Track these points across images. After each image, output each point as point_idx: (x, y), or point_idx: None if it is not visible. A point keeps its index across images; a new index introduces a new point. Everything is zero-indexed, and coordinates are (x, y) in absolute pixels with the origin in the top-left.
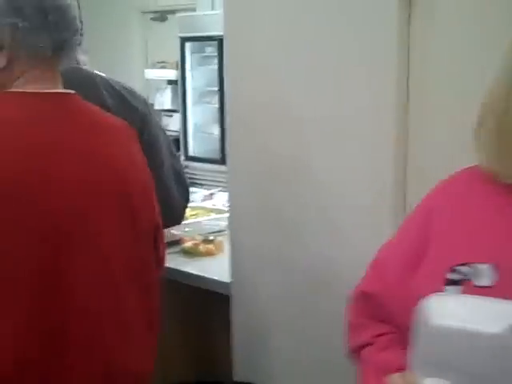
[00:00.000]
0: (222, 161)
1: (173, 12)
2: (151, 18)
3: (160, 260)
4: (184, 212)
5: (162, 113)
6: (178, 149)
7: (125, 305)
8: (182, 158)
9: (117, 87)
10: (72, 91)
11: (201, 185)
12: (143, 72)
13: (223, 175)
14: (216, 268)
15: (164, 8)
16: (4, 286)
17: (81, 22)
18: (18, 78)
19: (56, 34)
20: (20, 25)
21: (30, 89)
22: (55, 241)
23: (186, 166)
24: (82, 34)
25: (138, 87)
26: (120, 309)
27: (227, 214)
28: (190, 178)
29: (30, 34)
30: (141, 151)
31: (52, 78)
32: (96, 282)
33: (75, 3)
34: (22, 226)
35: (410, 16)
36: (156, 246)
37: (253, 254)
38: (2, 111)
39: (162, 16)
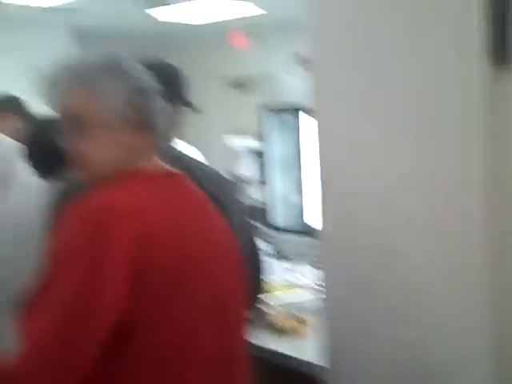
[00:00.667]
0: (304, 231)
1: (252, 81)
2: (231, 87)
3: None
4: None
5: (243, 182)
6: (260, 218)
7: None
8: (264, 228)
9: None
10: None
11: (283, 256)
12: (223, 141)
13: (305, 246)
14: (302, 346)
15: (244, 77)
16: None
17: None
18: (137, 154)
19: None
20: (139, 101)
21: (149, 167)
22: (220, 317)
23: (269, 236)
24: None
25: (219, 155)
26: None
27: (315, 290)
28: (272, 248)
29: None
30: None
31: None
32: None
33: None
34: (197, 304)
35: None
36: None
37: (349, 335)
38: (147, 197)
39: (241, 85)
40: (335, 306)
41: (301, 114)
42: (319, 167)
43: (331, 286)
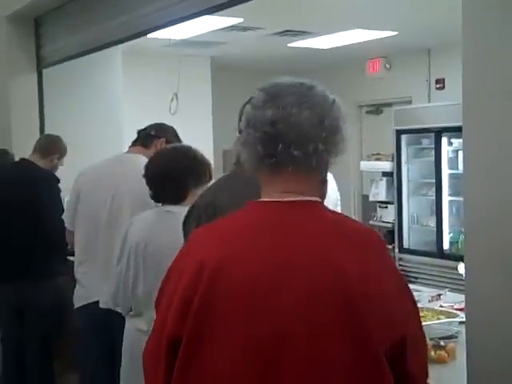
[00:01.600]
0: (438, 254)
1: (389, 105)
2: (366, 112)
3: (411, 378)
4: None
5: (377, 204)
6: (392, 240)
7: None
8: (396, 250)
9: None
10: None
11: (415, 278)
12: (358, 164)
13: (440, 269)
14: (448, 377)
15: (380, 101)
16: None
17: None
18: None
19: None
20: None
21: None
22: (272, 351)
23: (400, 259)
24: None
25: (352, 179)
26: None
27: (459, 318)
28: (404, 271)
29: None
30: (384, 261)
31: None
32: None
33: None
34: (249, 330)
35: None
36: (402, 360)
37: (498, 369)
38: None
39: (377, 109)
40: (480, 333)
41: (437, 137)
42: (465, 191)
43: (475, 312)
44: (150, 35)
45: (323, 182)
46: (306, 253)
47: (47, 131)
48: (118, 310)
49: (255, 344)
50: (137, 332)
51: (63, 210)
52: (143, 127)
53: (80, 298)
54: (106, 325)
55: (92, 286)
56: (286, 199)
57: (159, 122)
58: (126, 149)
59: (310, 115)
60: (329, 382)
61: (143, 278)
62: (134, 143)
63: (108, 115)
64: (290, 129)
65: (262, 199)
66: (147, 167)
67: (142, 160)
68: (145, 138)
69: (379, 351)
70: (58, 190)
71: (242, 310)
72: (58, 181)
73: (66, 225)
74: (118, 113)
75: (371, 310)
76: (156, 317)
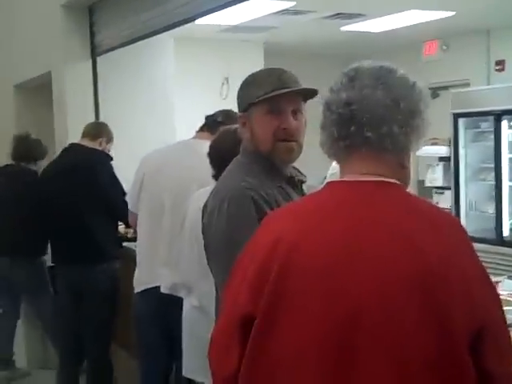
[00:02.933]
0: (498, 241)
1: (445, 88)
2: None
3: (489, 375)
4: None
5: (433, 190)
6: None
7: None
8: None
9: None
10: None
11: None
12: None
13: (500, 257)
14: None
15: (437, 84)
16: None
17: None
18: None
19: None
20: None
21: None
22: (347, 332)
23: None
24: None
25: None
26: None
27: None
28: None
29: None
30: (465, 248)
31: None
32: None
33: None
34: (325, 314)
35: None
36: (478, 355)
37: None
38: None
39: (434, 93)
40: None
41: (497, 120)
42: None
43: None
44: (201, 21)
45: (403, 167)
46: (383, 232)
47: (101, 118)
48: (181, 295)
49: (331, 325)
50: (192, 309)
51: (122, 189)
52: (211, 113)
53: (140, 282)
54: (167, 310)
55: (153, 270)
56: (359, 179)
57: (224, 108)
58: (181, 133)
59: (384, 96)
60: (404, 365)
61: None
62: (202, 128)
63: (160, 101)
64: (364, 110)
65: (340, 179)
66: (211, 147)
67: (207, 148)
68: (212, 124)
69: (459, 337)
70: (113, 169)
71: (317, 288)
72: (111, 159)
73: (129, 207)
74: (169, 98)
75: (450, 293)
76: (227, 291)
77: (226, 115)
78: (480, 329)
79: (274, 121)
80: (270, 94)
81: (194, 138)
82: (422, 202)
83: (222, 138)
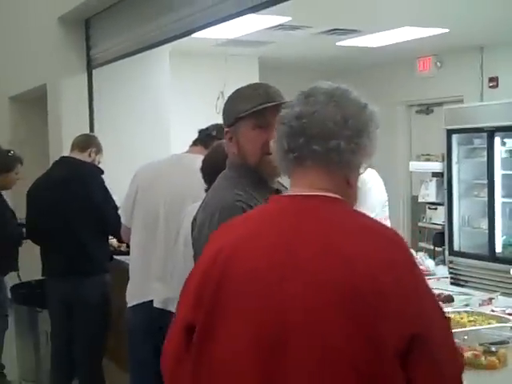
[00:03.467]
0: (491, 257)
1: (439, 104)
2: (416, 111)
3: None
4: None
5: (426, 205)
6: (442, 243)
7: None
8: (446, 252)
9: None
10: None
11: (465, 281)
12: (407, 164)
13: (493, 273)
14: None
15: (430, 101)
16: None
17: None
18: None
19: None
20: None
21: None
22: (277, 339)
23: (451, 262)
24: None
25: (401, 179)
26: None
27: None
28: (454, 274)
29: None
30: (401, 259)
31: None
32: None
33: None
34: (251, 320)
35: None
36: (411, 366)
37: None
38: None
39: (427, 109)
40: None
41: (490, 136)
42: None
43: None
44: (196, 35)
45: (349, 185)
46: (315, 245)
47: (96, 130)
48: (174, 310)
49: (263, 334)
50: None
51: (114, 203)
52: (205, 127)
53: (133, 296)
54: (160, 325)
55: (147, 284)
56: (303, 193)
57: (218, 122)
58: (175, 147)
59: (334, 113)
60: (332, 376)
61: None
62: (195, 143)
63: (155, 114)
64: (314, 124)
65: (284, 194)
66: (204, 161)
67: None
68: (205, 138)
69: (389, 348)
70: (104, 182)
71: (250, 298)
72: (102, 172)
73: (122, 221)
74: (164, 111)
75: (380, 304)
76: (179, 302)
77: (220, 129)
78: (412, 339)
79: (262, 134)
80: (258, 107)
81: (188, 152)
82: (364, 218)
83: (215, 152)
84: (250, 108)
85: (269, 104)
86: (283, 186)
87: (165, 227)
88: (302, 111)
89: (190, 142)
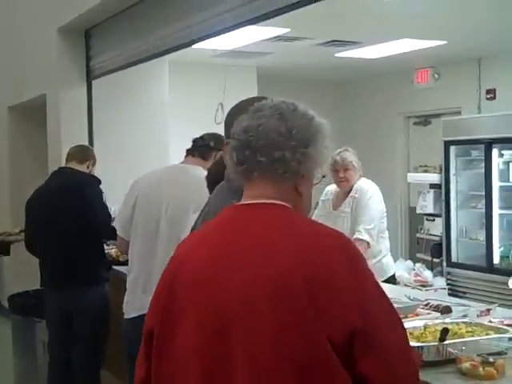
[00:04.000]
0: (488, 269)
1: (437, 116)
2: (414, 123)
3: (365, 380)
4: None
5: (424, 216)
6: (440, 254)
7: None
8: (444, 263)
9: None
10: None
11: (463, 293)
12: (406, 175)
13: (491, 284)
14: None
15: (428, 112)
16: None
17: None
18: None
19: None
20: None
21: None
22: (219, 331)
23: (449, 273)
24: None
25: (399, 191)
26: None
27: (509, 334)
28: (452, 285)
29: None
30: (341, 260)
31: None
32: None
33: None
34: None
35: None
36: (354, 359)
37: None
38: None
39: (425, 120)
40: None
41: (487, 148)
42: None
43: None
44: (196, 46)
45: (298, 193)
46: (253, 242)
47: (95, 141)
48: None
49: (207, 334)
50: None
51: (109, 213)
52: (199, 136)
53: (132, 308)
54: None
55: (146, 297)
56: (249, 202)
57: (213, 132)
58: (174, 158)
59: (278, 125)
60: (270, 370)
61: None
62: (192, 153)
63: (154, 125)
64: (259, 136)
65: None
66: (210, 170)
67: (202, 173)
68: (203, 149)
69: (322, 338)
70: (102, 193)
71: (194, 300)
72: (100, 182)
73: (119, 233)
74: (164, 122)
75: (314, 296)
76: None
77: (217, 140)
78: (353, 334)
79: None
80: None
81: (184, 162)
82: (306, 222)
83: (218, 163)
84: None
85: None
86: None
87: (165, 237)
88: (249, 125)
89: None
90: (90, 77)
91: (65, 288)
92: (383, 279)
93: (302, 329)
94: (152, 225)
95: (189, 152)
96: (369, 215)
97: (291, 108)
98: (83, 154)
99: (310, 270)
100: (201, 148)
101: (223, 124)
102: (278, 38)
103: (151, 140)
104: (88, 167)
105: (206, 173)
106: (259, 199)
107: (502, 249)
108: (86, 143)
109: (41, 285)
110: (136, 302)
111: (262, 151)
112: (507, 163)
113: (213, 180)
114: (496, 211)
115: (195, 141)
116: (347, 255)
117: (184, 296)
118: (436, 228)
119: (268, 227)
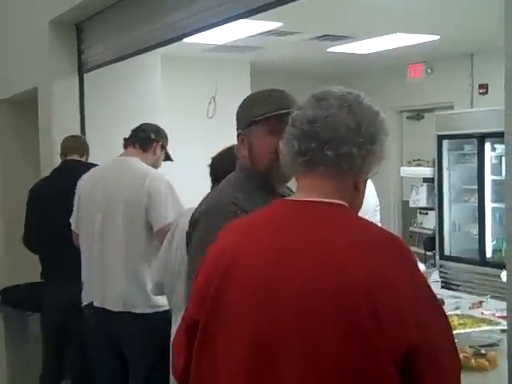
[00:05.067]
0: (481, 262)
1: (430, 110)
2: (407, 117)
3: None
4: None
5: (417, 210)
6: (433, 247)
7: None
8: (437, 257)
9: None
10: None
11: (456, 286)
12: (399, 170)
13: (483, 277)
14: None
15: (421, 107)
16: None
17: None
18: None
19: None
20: None
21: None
22: (270, 346)
23: (442, 266)
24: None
25: (392, 185)
26: None
27: (501, 326)
28: (445, 278)
29: None
30: (403, 269)
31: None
32: None
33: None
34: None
35: None
36: (414, 376)
37: None
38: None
39: (418, 115)
40: None
41: (480, 142)
42: (507, 198)
43: None
44: (188, 40)
45: (357, 189)
46: (312, 252)
47: (87, 135)
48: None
49: (257, 341)
50: None
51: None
52: (138, 126)
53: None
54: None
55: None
56: (307, 199)
57: (153, 123)
58: (169, 152)
59: (348, 119)
60: (322, 380)
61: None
62: (132, 144)
63: (147, 119)
64: (327, 129)
65: (289, 197)
66: (215, 159)
67: (141, 166)
68: (144, 141)
69: (383, 357)
70: None
71: (247, 304)
72: None
73: (72, 227)
74: (156, 116)
75: (375, 313)
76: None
77: (157, 131)
78: (414, 349)
79: (275, 140)
80: (274, 113)
81: (124, 154)
82: (366, 225)
83: (228, 153)
84: (265, 113)
85: (285, 110)
86: (291, 190)
87: (101, 234)
88: (316, 115)
89: (181, 147)
90: (81, 70)
91: (64, 282)
92: None
93: (365, 350)
94: (91, 221)
95: (129, 143)
96: (362, 209)
97: (358, 100)
98: (83, 147)
99: (372, 290)
100: (143, 140)
101: (215, 118)
102: (271, 33)
103: None
104: (86, 160)
105: (144, 165)
106: (317, 195)
107: (494, 242)
108: (79, 134)
109: (41, 277)
110: (86, 294)
111: (329, 144)
112: (499, 157)
113: (218, 167)
114: (489, 205)
115: (136, 131)
116: (409, 267)
117: (235, 297)
118: (429, 221)
119: (329, 235)
